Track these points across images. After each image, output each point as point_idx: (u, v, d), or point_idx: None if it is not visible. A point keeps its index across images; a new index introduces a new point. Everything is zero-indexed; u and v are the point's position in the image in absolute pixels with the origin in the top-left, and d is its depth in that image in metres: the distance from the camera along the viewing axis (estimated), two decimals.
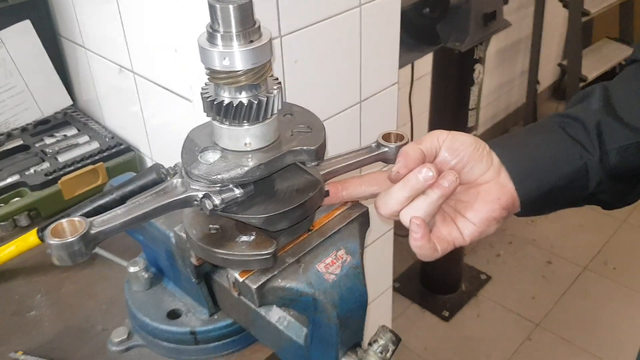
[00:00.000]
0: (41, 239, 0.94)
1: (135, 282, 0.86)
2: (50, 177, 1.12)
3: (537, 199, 0.68)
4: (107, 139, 1.22)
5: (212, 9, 0.56)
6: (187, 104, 0.99)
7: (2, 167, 1.15)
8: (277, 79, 0.62)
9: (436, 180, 0.63)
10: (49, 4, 1.27)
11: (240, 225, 0.64)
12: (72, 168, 1.14)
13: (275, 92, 0.60)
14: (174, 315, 0.82)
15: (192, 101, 0.97)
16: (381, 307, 1.56)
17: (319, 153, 0.62)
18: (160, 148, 1.17)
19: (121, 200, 0.84)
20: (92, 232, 0.56)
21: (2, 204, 1.09)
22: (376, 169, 0.74)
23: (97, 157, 1.17)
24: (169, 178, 0.73)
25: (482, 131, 3.12)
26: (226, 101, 0.58)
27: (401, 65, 1.25)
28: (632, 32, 3.44)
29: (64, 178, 1.11)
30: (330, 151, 0.71)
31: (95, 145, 1.21)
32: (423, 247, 0.65)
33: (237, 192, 0.60)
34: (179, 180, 0.62)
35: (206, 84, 0.61)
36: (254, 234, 0.63)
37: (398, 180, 0.65)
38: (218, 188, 0.60)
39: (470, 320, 2.47)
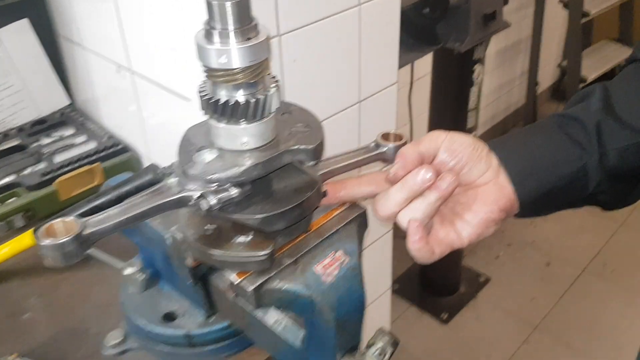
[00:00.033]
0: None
1: (130, 284, 0.85)
2: (46, 178, 1.11)
3: (536, 200, 0.67)
4: (104, 139, 1.21)
5: (209, 5, 0.55)
6: (185, 103, 0.99)
7: None
8: (274, 77, 0.61)
9: (434, 181, 0.63)
10: (47, 3, 1.26)
11: (237, 225, 0.63)
12: (68, 168, 1.13)
13: (272, 90, 0.59)
14: (169, 317, 0.81)
15: (190, 100, 0.96)
16: (380, 309, 1.55)
17: (317, 152, 0.61)
18: (158, 148, 1.16)
19: (117, 201, 0.82)
20: (86, 232, 0.55)
21: None
22: (375, 169, 0.73)
23: (94, 158, 1.16)
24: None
25: (481, 132, 3.11)
26: (223, 99, 0.57)
27: (401, 65, 1.24)
28: (631, 33, 3.43)
29: (60, 178, 1.10)
30: (329, 152, 0.70)
31: (92, 145, 1.20)
32: (421, 250, 0.64)
33: (234, 192, 0.59)
34: (175, 180, 0.61)
35: (203, 82, 0.60)
36: (250, 235, 0.62)
37: (396, 181, 0.65)
38: (214, 188, 0.58)
39: (469, 322, 2.46)
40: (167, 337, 0.79)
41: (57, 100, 1.31)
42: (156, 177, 0.79)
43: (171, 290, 0.84)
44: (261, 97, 0.58)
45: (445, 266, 2.52)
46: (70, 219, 0.55)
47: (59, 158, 1.15)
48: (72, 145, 1.19)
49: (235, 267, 0.62)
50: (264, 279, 0.61)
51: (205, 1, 0.55)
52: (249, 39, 0.55)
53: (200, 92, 0.59)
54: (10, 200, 1.09)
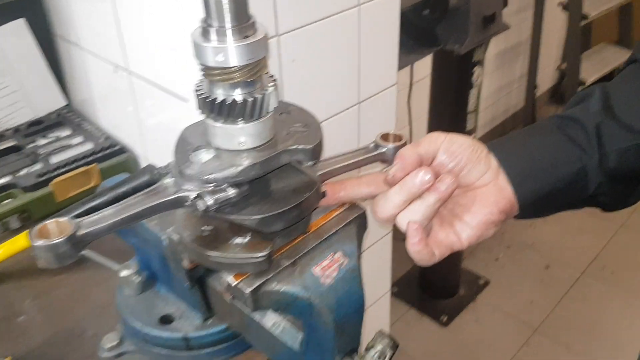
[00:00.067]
0: None
1: (127, 287, 0.84)
2: (42, 179, 1.10)
3: (535, 202, 0.66)
4: (101, 140, 1.20)
5: (206, 3, 0.54)
6: (182, 104, 0.98)
7: None
8: (272, 76, 0.60)
9: (433, 183, 0.62)
10: (43, 2, 1.25)
11: (234, 226, 0.62)
12: (64, 169, 1.12)
13: (270, 89, 0.58)
14: (166, 320, 0.80)
15: (188, 101, 0.95)
16: (379, 312, 1.54)
17: (316, 152, 0.60)
18: (156, 149, 1.15)
19: (114, 202, 0.81)
20: (80, 233, 0.54)
21: None
22: (375, 170, 0.72)
23: (90, 159, 1.15)
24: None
25: (481, 134, 3.11)
26: (220, 98, 0.56)
27: (400, 67, 1.24)
28: (631, 36, 3.43)
29: (56, 180, 1.09)
30: (328, 153, 0.70)
31: (89, 146, 1.19)
32: (421, 252, 0.63)
33: (231, 192, 0.58)
34: (171, 180, 0.60)
35: (200, 81, 0.59)
36: (248, 236, 0.61)
37: (394, 183, 0.64)
38: (211, 188, 0.58)
39: (468, 325, 2.45)
40: (164, 340, 0.78)
41: (53, 100, 1.30)
42: (153, 178, 0.78)
43: (168, 292, 0.83)
44: (259, 96, 0.57)
45: (444, 269, 2.51)
46: (63, 219, 0.54)
47: (55, 159, 1.14)
48: (68, 146, 1.18)
49: (233, 269, 0.61)
50: (261, 281, 0.60)
51: None
52: (246, 37, 0.55)
53: (196, 91, 0.58)
54: (5, 202, 1.08)
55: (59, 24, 1.25)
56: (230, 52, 0.54)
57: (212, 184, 0.57)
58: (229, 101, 0.56)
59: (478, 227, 0.65)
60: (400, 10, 1.15)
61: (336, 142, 1.10)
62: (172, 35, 0.92)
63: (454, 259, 2.46)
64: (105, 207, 0.76)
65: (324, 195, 0.66)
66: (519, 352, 2.32)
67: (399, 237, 1.43)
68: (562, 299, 2.54)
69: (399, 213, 0.64)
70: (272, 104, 0.58)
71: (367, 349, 0.65)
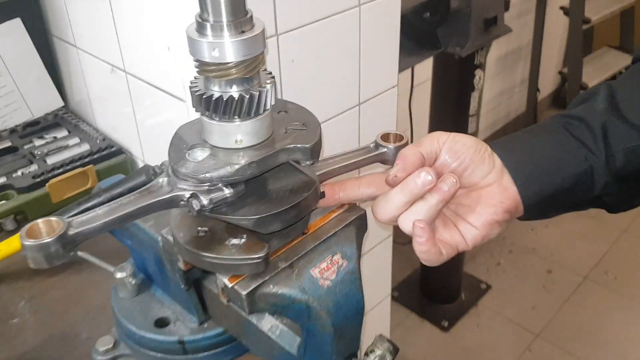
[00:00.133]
0: None
1: (122, 289, 0.83)
2: (38, 180, 1.09)
3: (540, 202, 0.65)
4: (98, 141, 1.19)
5: None
6: (180, 104, 0.96)
7: None
8: (270, 73, 0.59)
9: (436, 184, 0.61)
10: (40, 2, 1.24)
11: (230, 227, 0.60)
12: (61, 170, 1.11)
13: (268, 86, 0.57)
14: (161, 323, 0.79)
15: (185, 101, 0.94)
16: (379, 317, 1.53)
17: (314, 151, 0.59)
18: (153, 150, 1.13)
19: None
20: (70, 233, 0.52)
21: None
22: (373, 171, 0.71)
23: (87, 160, 1.14)
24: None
25: (482, 138, 3.07)
26: (216, 95, 0.55)
27: (401, 69, 1.23)
28: (632, 40, 3.43)
29: (52, 181, 1.08)
30: (328, 155, 0.68)
31: (85, 147, 1.17)
32: (429, 252, 0.62)
33: (227, 191, 0.56)
34: (165, 179, 0.58)
35: (195, 78, 0.58)
36: (244, 237, 0.60)
37: (396, 184, 0.63)
38: (206, 187, 0.56)
39: (469, 330, 2.44)
40: (159, 344, 0.77)
41: (50, 101, 1.29)
42: (149, 178, 0.77)
43: (164, 295, 0.82)
44: (256, 93, 0.56)
45: (445, 273, 2.50)
46: (54, 218, 0.52)
47: (52, 160, 1.13)
48: (65, 147, 1.17)
49: (229, 271, 0.60)
50: (258, 283, 0.59)
51: None
52: (243, 32, 0.53)
53: (191, 87, 0.57)
54: (0, 203, 1.06)
55: (55, 24, 1.24)
56: (227, 48, 0.53)
57: (207, 183, 0.56)
58: (225, 98, 0.55)
59: (483, 228, 0.64)
60: (401, 13, 1.14)
61: (336, 144, 1.08)
62: (167, 34, 0.91)
63: (455, 263, 2.45)
64: None
65: (322, 195, 0.65)
66: (520, 358, 2.30)
67: (399, 240, 1.41)
68: (564, 304, 2.53)
69: (400, 214, 0.63)
70: (269, 102, 0.57)
71: (367, 354, 0.63)
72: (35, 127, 1.25)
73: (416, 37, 1.76)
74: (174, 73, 0.94)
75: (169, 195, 0.57)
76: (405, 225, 0.63)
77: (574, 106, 0.69)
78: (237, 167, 0.56)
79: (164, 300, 0.82)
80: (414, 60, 1.77)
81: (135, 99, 1.10)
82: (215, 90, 0.55)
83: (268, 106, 0.57)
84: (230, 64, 0.53)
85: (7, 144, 1.19)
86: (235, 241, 0.59)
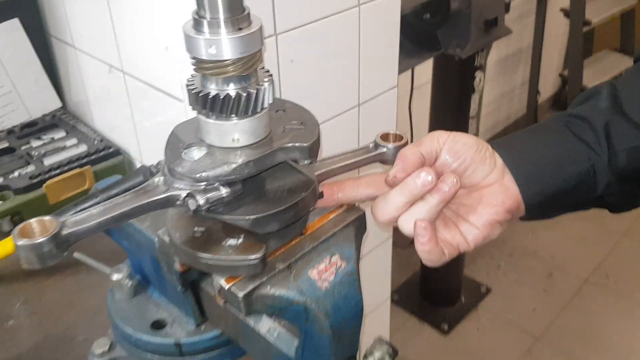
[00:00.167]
0: None
1: (118, 291, 0.82)
2: (35, 181, 1.08)
3: (542, 202, 0.64)
4: (95, 142, 1.18)
5: None
6: (178, 104, 0.96)
7: None
8: (267, 71, 0.58)
9: (436, 184, 0.60)
10: (38, 2, 1.23)
11: (227, 227, 0.60)
12: (58, 171, 1.10)
13: (266, 84, 0.56)
14: (158, 325, 0.78)
15: (183, 101, 0.93)
16: (379, 320, 1.52)
17: (313, 150, 0.58)
18: (151, 151, 1.13)
19: None
20: (64, 232, 0.51)
21: None
22: (373, 171, 0.70)
23: (84, 161, 1.13)
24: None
25: None
26: (213, 93, 0.54)
27: (401, 71, 1.22)
28: (633, 42, 3.42)
29: (49, 182, 1.07)
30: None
31: (83, 148, 1.17)
32: (431, 252, 0.61)
33: (224, 191, 0.55)
34: (161, 178, 0.58)
35: (192, 76, 0.57)
36: (241, 237, 0.59)
37: (395, 184, 0.62)
38: (203, 187, 0.55)
39: (469, 333, 2.43)
40: (156, 346, 0.76)
41: (48, 102, 1.28)
42: (147, 179, 0.76)
43: (160, 296, 0.81)
44: (253, 91, 0.55)
45: (445, 276, 2.49)
46: (47, 218, 0.52)
47: (49, 161, 1.12)
48: (62, 148, 1.16)
49: (225, 272, 0.59)
50: (255, 285, 0.58)
51: None
52: (240, 28, 0.53)
53: (188, 85, 0.56)
54: None
55: (53, 24, 1.24)
56: (224, 45, 0.52)
57: (203, 183, 0.55)
58: (222, 96, 0.54)
59: (484, 228, 0.63)
60: (401, 14, 1.13)
61: (335, 146, 1.07)
62: (167, 34, 0.90)
63: (456, 266, 2.44)
64: None
65: (321, 195, 0.64)
66: None
67: (399, 243, 1.40)
68: (565, 307, 2.52)
69: (400, 215, 0.62)
70: (267, 100, 0.56)
71: (366, 356, 0.62)
72: (33, 128, 1.24)
73: (416, 38, 1.75)
74: (172, 73, 0.93)
75: (165, 195, 0.56)
76: (405, 227, 0.62)
77: (575, 105, 0.68)
78: (234, 166, 0.55)
79: (160, 302, 0.81)
80: (414, 61, 1.76)
81: (133, 100, 1.09)
82: (212, 88, 0.55)
83: (265, 104, 0.57)
84: (227, 62, 0.53)
85: (5, 144, 1.18)
86: (232, 242, 0.59)
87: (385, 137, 0.68)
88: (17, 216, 1.06)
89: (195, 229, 0.61)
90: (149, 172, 0.76)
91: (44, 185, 1.06)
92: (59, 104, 1.30)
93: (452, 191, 0.60)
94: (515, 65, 3.28)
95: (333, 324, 0.59)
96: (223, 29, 0.52)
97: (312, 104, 1.00)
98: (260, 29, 0.54)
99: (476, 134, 2.08)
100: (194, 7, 0.54)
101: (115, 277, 0.81)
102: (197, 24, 0.53)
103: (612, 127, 0.63)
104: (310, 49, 0.98)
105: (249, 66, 0.54)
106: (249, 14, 0.54)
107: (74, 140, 1.19)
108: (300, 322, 0.60)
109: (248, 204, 0.58)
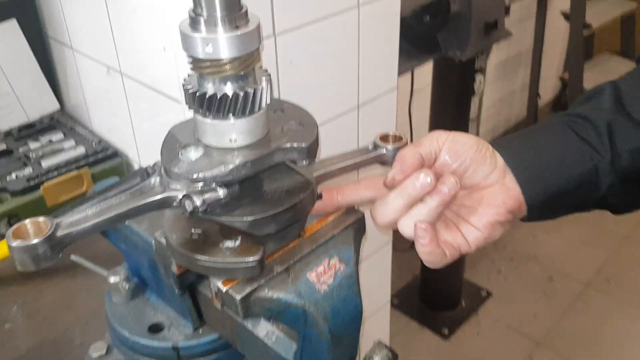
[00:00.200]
0: None
1: (115, 294, 0.81)
2: (32, 183, 1.07)
3: (544, 203, 0.63)
4: (93, 144, 1.17)
5: None
6: (176, 106, 0.95)
7: None
8: (266, 70, 0.57)
9: (435, 186, 0.59)
10: (36, 3, 1.23)
11: (225, 229, 0.59)
12: (55, 174, 1.09)
13: (264, 84, 0.55)
14: (155, 329, 0.77)
15: (182, 103, 0.93)
16: (378, 324, 1.51)
17: (311, 151, 0.57)
18: (149, 153, 1.12)
19: None
20: (59, 234, 0.51)
21: None
22: (372, 173, 0.69)
23: (82, 163, 1.12)
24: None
25: None
26: (210, 93, 0.53)
27: (401, 73, 1.21)
28: (633, 46, 3.42)
29: (46, 184, 1.06)
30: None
31: (81, 150, 1.16)
32: (432, 253, 0.60)
33: (221, 192, 0.55)
34: (157, 179, 0.57)
35: (189, 75, 0.56)
36: (239, 239, 0.58)
37: (394, 186, 0.61)
38: (199, 188, 0.54)
39: (470, 338, 2.41)
40: (153, 350, 0.76)
41: (46, 104, 1.28)
42: (144, 181, 0.75)
43: (158, 300, 0.81)
44: (251, 90, 0.54)
45: (446, 280, 2.48)
46: (42, 219, 0.51)
47: (47, 163, 1.11)
48: (60, 150, 1.15)
49: (223, 274, 0.58)
50: (253, 287, 0.57)
51: None
52: (237, 27, 0.52)
53: (184, 85, 0.55)
54: None
55: (51, 25, 1.23)
56: (221, 43, 0.51)
57: (200, 184, 0.54)
58: (219, 95, 0.53)
59: (485, 229, 0.63)
60: (401, 17, 1.12)
61: (334, 148, 1.06)
62: (165, 35, 0.89)
63: (456, 270, 2.43)
64: None
65: (320, 197, 0.63)
66: None
67: (399, 247, 1.40)
68: (566, 312, 2.51)
69: (399, 218, 0.61)
70: (265, 100, 0.56)
71: None
72: (31, 130, 1.23)
73: (416, 40, 1.74)
74: (170, 74, 0.92)
75: (161, 196, 0.55)
76: (405, 229, 0.61)
77: (577, 105, 0.67)
78: (231, 166, 0.54)
79: (158, 306, 0.80)
80: (413, 63, 1.76)
81: (131, 101, 1.08)
82: (209, 88, 0.54)
83: (263, 104, 0.56)
84: (224, 60, 0.52)
85: (2, 146, 1.18)
86: (229, 244, 0.58)
87: (384, 138, 0.68)
88: (14, 219, 1.05)
89: (192, 230, 0.60)
90: (145, 174, 0.75)
91: (42, 187, 1.06)
92: (57, 106, 1.29)
93: (452, 193, 0.59)
94: (515, 68, 3.28)
95: (332, 328, 0.59)
96: (220, 27, 0.51)
97: (311, 106, 0.99)
98: (258, 27, 0.53)
99: None
100: (191, 5, 0.53)
101: (113, 280, 0.80)
102: (194, 22, 0.52)
103: (615, 127, 0.62)
104: (309, 50, 0.97)
105: (246, 65, 0.53)
106: (246, 12, 0.53)
107: (71, 142, 1.18)
108: (298, 325, 0.60)
109: (245, 206, 0.57)
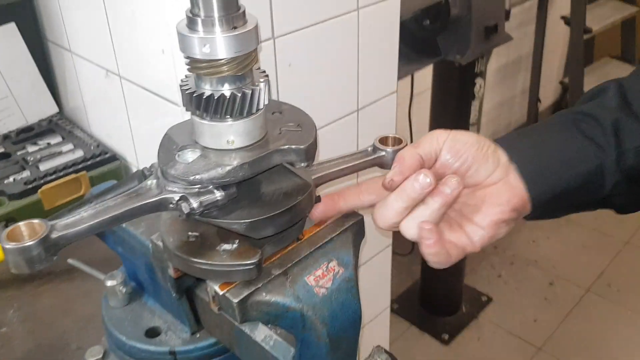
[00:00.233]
0: None
1: (112, 298, 0.80)
2: (30, 186, 1.07)
3: (549, 201, 0.62)
4: (92, 147, 1.17)
5: None
6: (175, 108, 0.95)
7: None
8: (264, 71, 0.56)
9: (435, 186, 0.58)
10: (35, 7, 1.22)
11: (222, 232, 0.58)
12: (53, 177, 1.09)
13: (261, 85, 0.55)
14: (152, 333, 0.76)
15: (180, 106, 0.92)
16: (378, 329, 1.50)
17: (309, 153, 0.57)
18: (147, 156, 1.11)
19: None
20: (54, 236, 0.50)
21: None
22: (372, 175, 0.69)
23: (80, 166, 1.12)
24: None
25: None
26: (207, 93, 0.53)
27: (401, 76, 1.21)
28: (634, 50, 3.42)
29: (44, 187, 1.06)
30: None
31: (79, 153, 1.15)
32: (438, 254, 0.59)
33: (218, 194, 0.54)
34: (154, 181, 0.56)
35: (186, 76, 0.56)
36: (236, 242, 0.57)
37: (393, 188, 0.60)
38: (196, 190, 0.54)
39: (470, 343, 2.40)
40: (150, 354, 0.75)
41: (44, 107, 1.27)
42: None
43: (155, 304, 0.80)
44: (248, 91, 0.54)
45: (446, 285, 2.47)
46: (36, 221, 0.50)
47: (44, 166, 1.11)
48: (58, 154, 1.15)
49: (220, 278, 0.58)
50: (250, 291, 0.57)
51: None
52: (235, 27, 0.51)
53: (182, 86, 0.55)
54: None
55: (50, 28, 1.23)
56: (218, 43, 0.51)
57: (197, 186, 0.54)
58: (216, 96, 0.53)
59: (490, 228, 0.61)
60: (401, 20, 1.12)
61: (334, 151, 1.06)
62: (164, 37, 0.89)
63: (456, 275, 2.42)
64: None
65: (318, 199, 0.63)
66: None
67: (399, 251, 1.39)
68: (567, 317, 2.50)
69: (401, 221, 0.60)
70: (262, 101, 0.55)
71: None
72: (29, 134, 1.23)
73: (416, 44, 1.74)
74: (169, 77, 0.92)
75: (158, 198, 0.55)
76: (408, 232, 0.60)
77: (581, 103, 0.66)
78: (228, 168, 0.53)
79: (155, 310, 0.79)
80: (413, 67, 1.76)
81: (129, 104, 1.08)
82: (207, 89, 0.53)
83: (261, 105, 0.55)
84: (222, 61, 0.51)
85: (0, 150, 1.17)
86: (226, 246, 0.57)
87: (384, 140, 0.67)
88: (12, 222, 1.03)
89: (189, 233, 0.60)
90: (142, 175, 0.74)
91: (39, 190, 1.05)
92: (55, 109, 1.29)
93: (454, 193, 0.58)
94: (515, 72, 3.28)
95: (330, 332, 0.58)
96: (217, 27, 0.51)
97: (310, 109, 0.99)
98: (256, 27, 0.53)
99: None
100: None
101: (110, 283, 0.79)
102: (191, 23, 0.51)
103: (620, 125, 0.62)
104: (308, 53, 0.97)
105: (244, 66, 0.53)
106: (244, 12, 0.53)
107: (70, 146, 1.18)
108: (296, 329, 0.59)
109: (243, 208, 0.56)
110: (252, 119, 0.55)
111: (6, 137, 1.21)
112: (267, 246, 0.59)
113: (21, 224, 0.50)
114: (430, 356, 2.35)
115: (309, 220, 0.63)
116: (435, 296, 2.52)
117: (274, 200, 0.57)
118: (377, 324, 1.48)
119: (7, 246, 0.49)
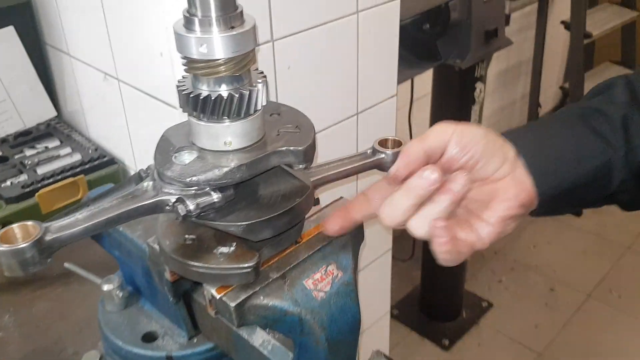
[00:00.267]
0: None
1: (109, 302, 0.80)
2: (27, 190, 1.06)
3: (556, 197, 0.61)
4: (90, 151, 1.16)
5: None
6: (173, 112, 0.94)
7: None
8: (262, 72, 0.56)
9: (444, 184, 0.56)
10: (33, 10, 1.22)
11: (219, 235, 0.57)
12: (51, 181, 1.08)
13: (259, 85, 0.54)
14: (149, 338, 0.75)
15: (178, 109, 0.91)
16: (378, 335, 1.49)
17: (308, 154, 0.56)
18: (146, 160, 1.11)
19: None
20: (48, 238, 0.49)
21: None
22: (372, 177, 0.68)
23: (78, 170, 1.11)
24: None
25: None
26: (204, 94, 0.52)
27: (400, 81, 1.20)
28: (634, 55, 3.41)
29: (41, 191, 1.05)
30: None
31: (77, 157, 1.15)
32: (450, 252, 0.57)
33: (215, 196, 0.53)
34: (150, 183, 0.55)
35: (183, 77, 0.55)
36: (233, 245, 0.56)
37: (397, 180, 0.58)
38: (193, 192, 0.53)
39: (471, 349, 2.39)
40: (147, 359, 0.74)
41: (42, 111, 1.27)
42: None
43: (152, 308, 0.79)
44: (246, 92, 0.53)
45: (446, 291, 2.46)
46: (30, 223, 0.49)
47: (42, 170, 1.10)
48: (56, 157, 1.14)
49: (217, 281, 0.57)
50: (247, 294, 0.56)
51: None
52: (232, 27, 0.51)
53: (179, 86, 0.54)
54: None
55: (48, 32, 1.22)
56: (215, 43, 0.50)
57: (194, 187, 0.53)
58: (213, 97, 0.52)
59: (498, 224, 0.60)
60: (400, 24, 1.11)
61: (333, 155, 1.05)
62: (162, 40, 0.88)
63: (456, 280, 2.41)
64: None
65: (317, 202, 0.62)
66: None
67: (398, 257, 1.38)
68: (567, 322, 2.48)
69: (409, 219, 0.58)
70: (260, 101, 0.54)
71: None
72: (27, 137, 1.22)
73: (416, 48, 1.74)
74: (167, 80, 0.91)
75: (154, 200, 0.54)
76: (417, 230, 0.58)
77: (588, 98, 0.65)
78: (225, 170, 0.53)
79: (152, 314, 0.79)
80: (413, 71, 1.75)
81: (127, 107, 1.07)
82: (204, 89, 0.53)
83: (259, 106, 0.55)
84: (219, 61, 0.51)
85: None
86: (224, 249, 0.56)
87: (383, 142, 0.66)
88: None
89: (186, 236, 0.59)
90: (138, 177, 0.74)
91: (37, 194, 1.04)
92: (53, 113, 1.28)
93: (463, 190, 0.57)
94: (515, 77, 3.28)
95: (329, 336, 0.57)
96: (215, 27, 0.50)
97: (309, 112, 0.98)
98: (254, 27, 0.52)
99: None
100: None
101: (106, 287, 0.79)
102: (188, 22, 0.51)
103: (629, 121, 0.60)
104: (307, 56, 0.96)
105: (241, 66, 0.52)
106: (241, 12, 0.52)
107: (68, 149, 1.17)
108: (294, 334, 0.58)
109: (240, 210, 0.56)
110: (249, 120, 0.54)
111: (4, 140, 1.20)
112: (265, 249, 0.58)
113: (15, 225, 0.49)
114: None
115: (307, 222, 0.63)
116: (436, 302, 2.51)
117: (272, 202, 0.56)
118: (377, 330, 1.47)
119: (1, 248, 0.48)
